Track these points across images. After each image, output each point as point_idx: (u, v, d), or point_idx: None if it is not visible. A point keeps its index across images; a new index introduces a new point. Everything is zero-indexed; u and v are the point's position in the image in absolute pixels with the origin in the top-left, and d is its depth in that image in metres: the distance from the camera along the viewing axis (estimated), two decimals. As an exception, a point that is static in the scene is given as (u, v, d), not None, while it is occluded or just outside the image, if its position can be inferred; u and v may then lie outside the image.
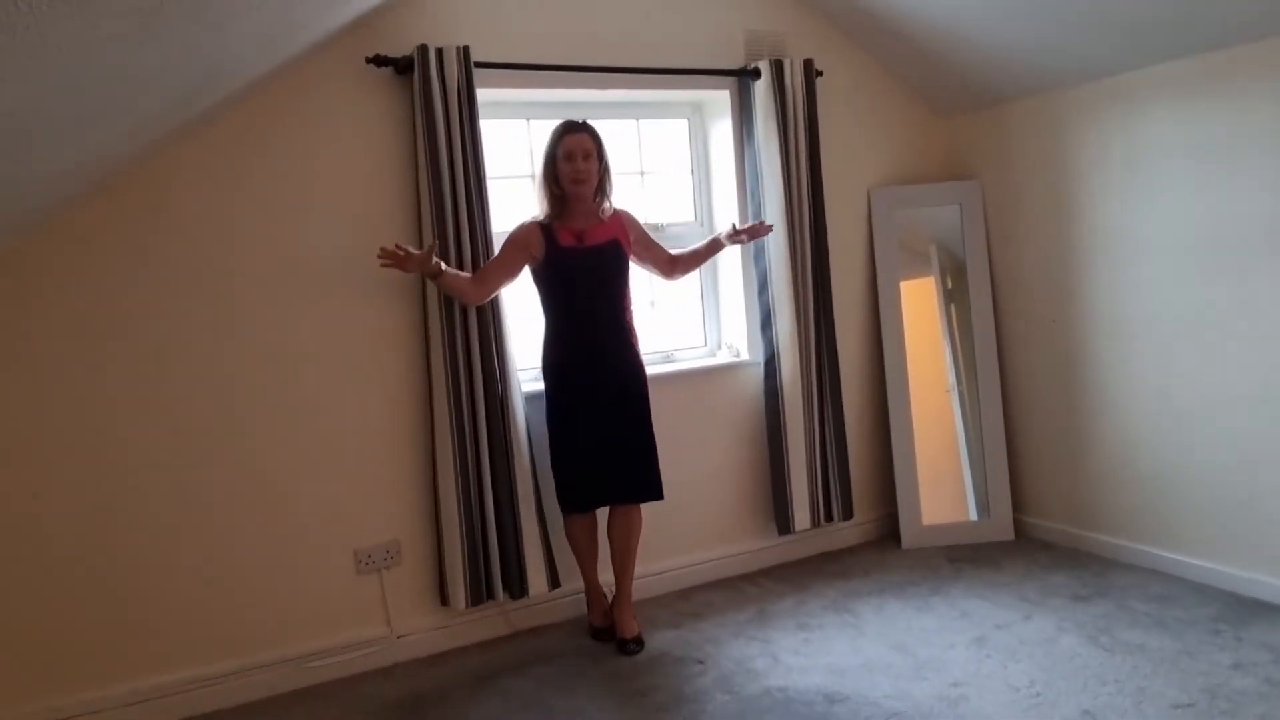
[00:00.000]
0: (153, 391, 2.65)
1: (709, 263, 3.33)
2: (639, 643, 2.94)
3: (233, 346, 2.73)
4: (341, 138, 2.83)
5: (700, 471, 3.44)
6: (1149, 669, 2.55)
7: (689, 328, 3.65)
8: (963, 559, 3.52)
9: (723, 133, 3.52)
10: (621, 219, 2.97)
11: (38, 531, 2.54)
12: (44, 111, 1.69)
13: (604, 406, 2.88)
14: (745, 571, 3.53)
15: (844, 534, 3.75)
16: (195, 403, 2.69)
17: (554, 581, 3.07)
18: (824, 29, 3.60)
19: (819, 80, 3.49)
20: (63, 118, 1.79)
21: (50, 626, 2.55)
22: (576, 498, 2.94)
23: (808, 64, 3.44)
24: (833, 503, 3.58)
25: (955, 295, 3.80)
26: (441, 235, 2.83)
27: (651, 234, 3.13)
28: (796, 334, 3.43)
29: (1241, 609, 2.87)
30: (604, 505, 2.99)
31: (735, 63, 3.41)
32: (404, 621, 2.99)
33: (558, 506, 3.01)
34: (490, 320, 2.93)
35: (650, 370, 3.05)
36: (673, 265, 3.14)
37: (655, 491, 2.97)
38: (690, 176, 3.63)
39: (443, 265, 2.73)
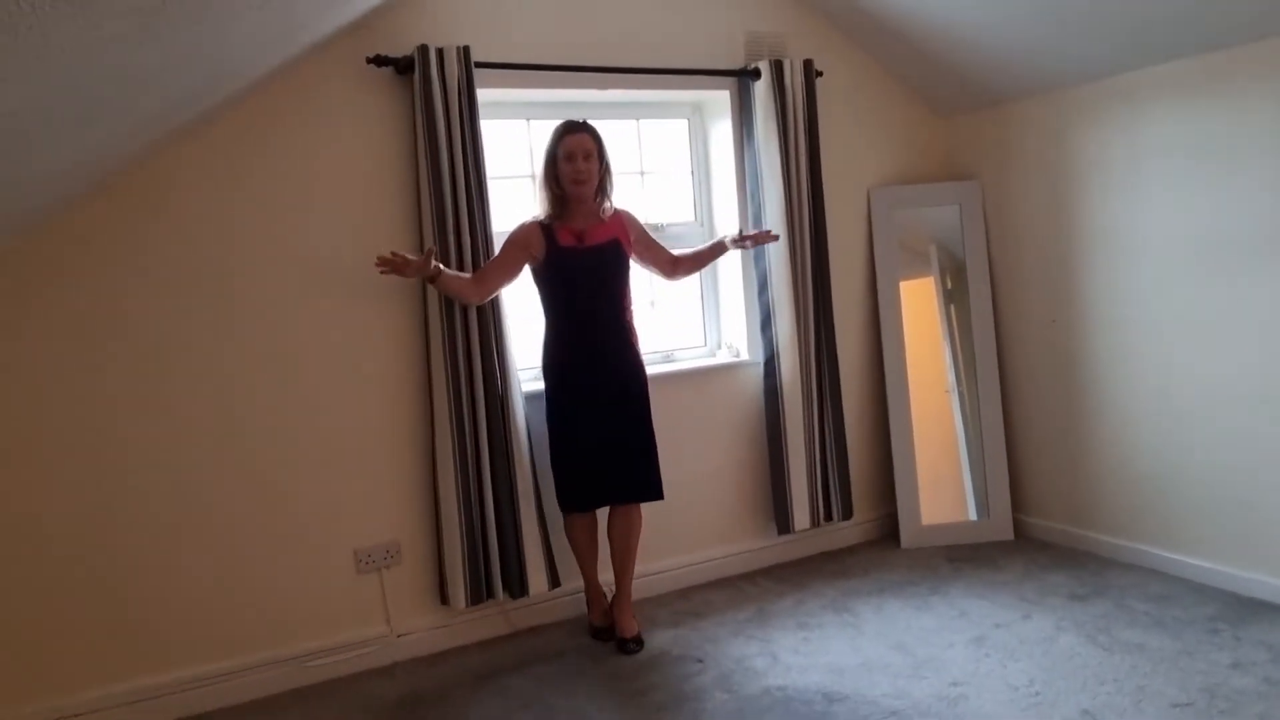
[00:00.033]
0: (153, 391, 2.65)
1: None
2: (639, 642, 2.94)
3: (233, 346, 2.73)
4: (341, 138, 2.83)
5: (700, 471, 3.44)
6: (1148, 668, 2.55)
7: (689, 328, 3.65)
8: (962, 559, 3.52)
9: (723, 133, 3.52)
10: (622, 219, 2.97)
11: (38, 531, 2.54)
12: (44, 111, 1.69)
13: (604, 406, 2.88)
14: (745, 571, 3.54)
15: (843, 534, 3.75)
16: (195, 403, 2.69)
17: (554, 581, 3.07)
18: (824, 29, 3.60)
19: (819, 80, 3.49)
20: (63, 118, 1.79)
21: (50, 626, 2.55)
22: (576, 497, 2.94)
23: (808, 64, 3.44)
24: (832, 502, 3.59)
25: (955, 295, 3.80)
26: (442, 235, 2.84)
27: (652, 234, 3.13)
28: (796, 334, 3.44)
29: (1240, 608, 2.88)
30: (604, 505, 2.99)
31: (735, 63, 3.42)
32: (404, 621, 2.99)
33: (558, 506, 3.01)
34: (490, 320, 2.93)
35: (650, 370, 3.05)
36: (674, 266, 3.14)
37: (655, 491, 2.97)
38: (690, 177, 3.63)
39: (442, 268, 2.73)
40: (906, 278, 3.78)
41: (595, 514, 3.01)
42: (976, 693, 2.50)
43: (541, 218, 2.88)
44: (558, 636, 3.09)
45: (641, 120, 3.52)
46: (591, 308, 2.88)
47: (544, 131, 2.94)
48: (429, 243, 2.84)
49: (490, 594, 2.98)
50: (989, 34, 3.19)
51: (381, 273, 2.64)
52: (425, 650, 3.00)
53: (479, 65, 2.88)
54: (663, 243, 3.15)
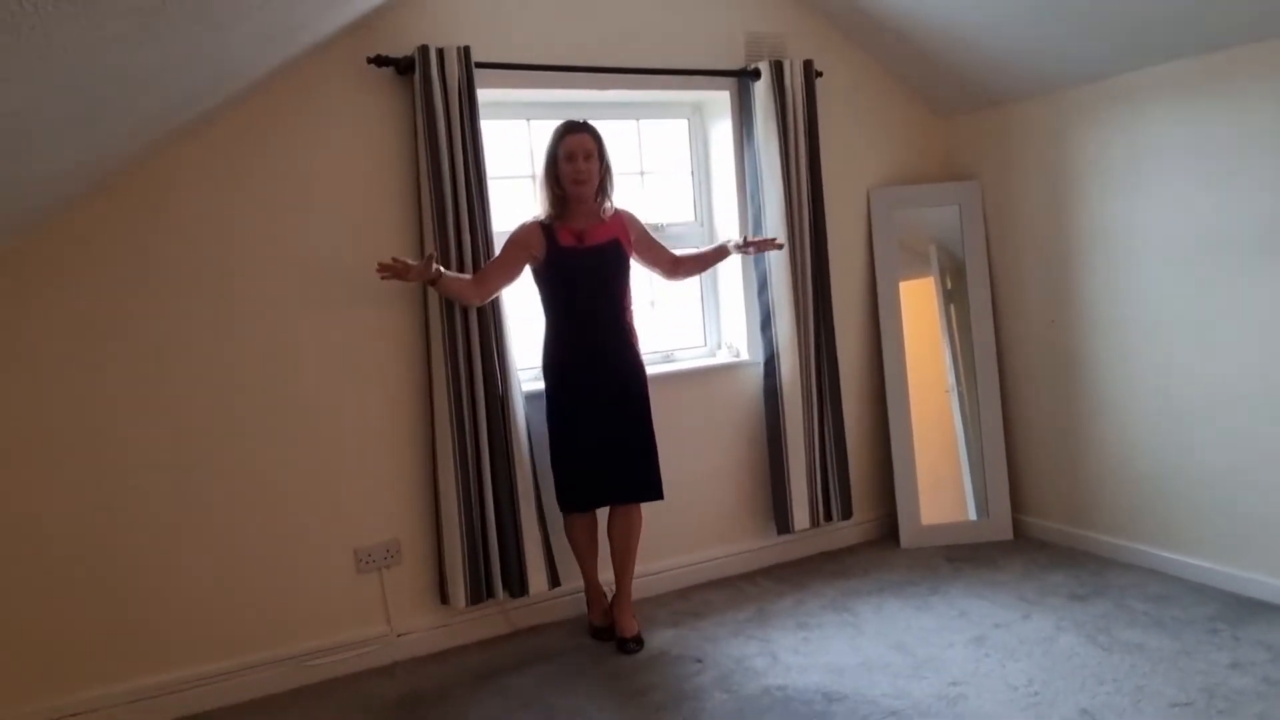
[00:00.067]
0: (153, 391, 2.65)
1: (708, 264, 3.34)
2: (639, 642, 2.94)
3: (233, 346, 2.73)
4: (342, 138, 2.83)
5: (700, 471, 3.44)
6: (1147, 668, 2.56)
7: (689, 328, 3.66)
8: (961, 558, 3.52)
9: (723, 133, 3.52)
10: (622, 219, 2.97)
11: (38, 531, 2.54)
12: (45, 111, 1.69)
13: (604, 406, 2.89)
14: (744, 571, 3.54)
15: (843, 533, 3.76)
16: (195, 403, 2.69)
17: (554, 580, 3.07)
18: (824, 29, 3.60)
19: (819, 81, 3.49)
20: (64, 118, 1.79)
21: (50, 626, 2.55)
22: (576, 497, 2.95)
23: (807, 64, 3.44)
24: (832, 502, 3.59)
25: (955, 295, 3.80)
26: (442, 235, 2.84)
27: (652, 234, 3.13)
28: (796, 334, 3.44)
29: (1239, 608, 2.88)
30: (604, 505, 2.99)
31: (735, 63, 3.42)
32: (404, 620, 2.99)
33: (558, 506, 3.01)
34: (490, 320, 2.93)
35: (650, 370, 3.05)
36: (675, 266, 3.14)
37: (655, 491, 2.97)
38: (690, 177, 3.63)
39: (442, 270, 2.73)
40: (906, 278, 3.79)
41: (595, 514, 3.02)
42: (976, 692, 2.50)
43: (542, 218, 2.88)
44: (558, 636, 3.09)
45: (641, 120, 3.52)
46: (592, 308, 2.88)
47: (544, 132, 2.94)
48: (429, 242, 2.84)
49: (490, 593, 2.98)
50: (989, 34, 3.20)
51: (383, 278, 2.65)
52: (425, 650, 3.00)
53: (479, 65, 2.88)
54: (663, 243, 3.16)
